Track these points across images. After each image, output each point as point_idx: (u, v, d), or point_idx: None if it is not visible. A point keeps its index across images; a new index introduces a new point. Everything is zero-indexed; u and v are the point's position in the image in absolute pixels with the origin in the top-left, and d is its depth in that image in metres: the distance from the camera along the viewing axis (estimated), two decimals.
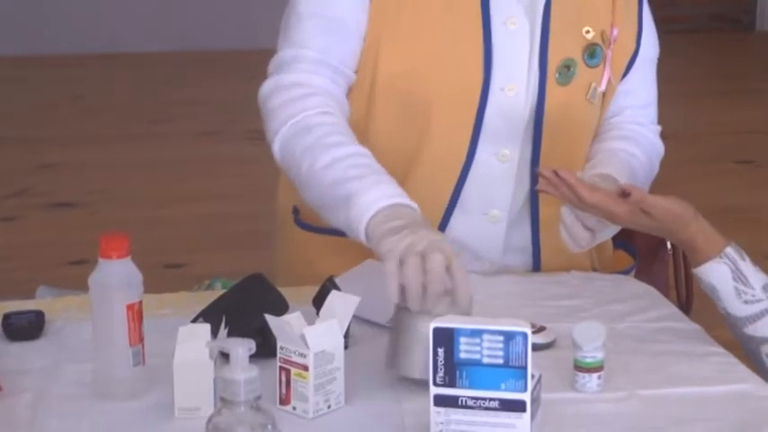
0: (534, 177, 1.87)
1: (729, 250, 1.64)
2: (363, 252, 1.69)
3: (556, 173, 1.69)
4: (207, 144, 5.51)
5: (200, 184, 4.91)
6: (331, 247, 1.87)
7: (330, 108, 1.79)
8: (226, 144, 5.41)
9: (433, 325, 1.36)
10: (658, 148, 2.04)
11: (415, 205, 1.64)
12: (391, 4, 1.84)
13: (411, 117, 1.87)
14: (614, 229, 1.78)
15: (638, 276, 2.07)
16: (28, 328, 1.71)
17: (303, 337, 1.42)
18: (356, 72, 1.87)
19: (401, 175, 1.84)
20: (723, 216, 4.39)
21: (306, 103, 1.79)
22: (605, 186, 1.77)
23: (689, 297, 2.36)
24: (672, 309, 1.83)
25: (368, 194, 1.63)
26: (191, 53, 7.31)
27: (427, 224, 1.60)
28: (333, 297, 1.52)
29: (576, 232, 1.74)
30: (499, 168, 1.90)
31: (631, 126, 2.00)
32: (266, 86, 1.85)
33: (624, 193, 1.67)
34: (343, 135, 1.76)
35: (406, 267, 1.48)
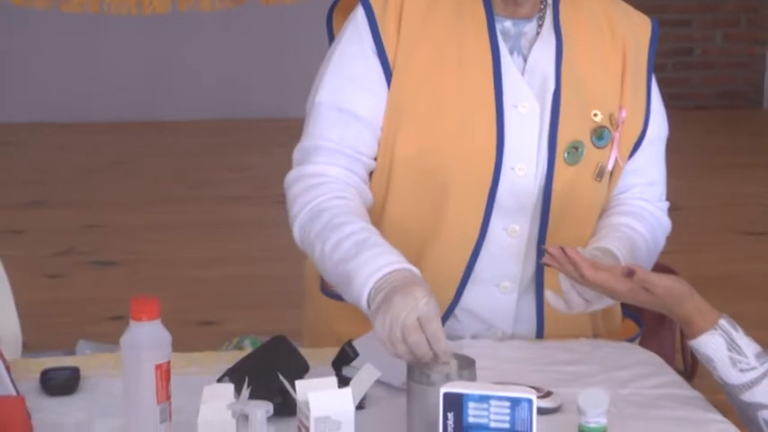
0: (541, 252, 1.88)
1: (723, 322, 1.64)
2: None
3: (563, 249, 1.70)
4: (240, 208, 5.54)
5: (233, 246, 4.93)
6: (352, 313, 1.89)
7: (344, 193, 1.82)
8: (258, 208, 5.43)
9: (443, 390, 1.37)
10: (664, 224, 2.02)
11: (407, 265, 1.66)
12: (411, 90, 1.85)
13: (427, 196, 1.87)
14: (609, 301, 1.78)
15: (646, 341, 2.06)
16: (64, 383, 1.73)
17: (307, 402, 1.40)
18: (375, 158, 1.89)
19: (418, 250, 1.86)
20: (731, 284, 4.42)
21: (321, 189, 1.82)
22: (605, 260, 1.77)
23: (694, 361, 2.35)
24: (674, 376, 1.82)
25: (360, 275, 1.67)
26: (225, 121, 7.37)
27: (406, 287, 1.60)
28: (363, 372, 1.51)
29: (570, 299, 1.74)
30: (509, 243, 1.90)
31: (637, 202, 1.99)
32: (290, 176, 1.89)
33: (629, 272, 1.67)
34: (350, 215, 1.79)
35: (395, 352, 1.56)
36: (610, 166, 1.93)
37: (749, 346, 1.62)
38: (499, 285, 1.93)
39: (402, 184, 1.88)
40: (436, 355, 1.52)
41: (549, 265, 1.74)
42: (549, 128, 1.87)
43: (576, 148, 1.88)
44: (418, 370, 1.52)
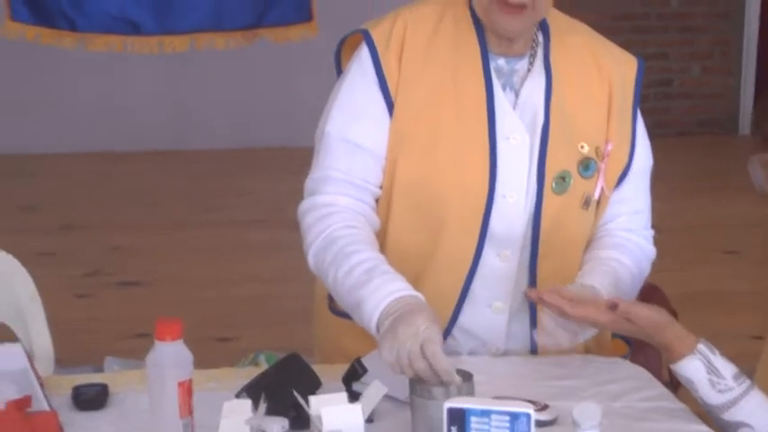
0: (533, 276, 1.89)
1: (701, 347, 1.63)
2: None
3: (541, 298, 1.69)
4: (254, 231, 5.52)
5: (248, 267, 4.92)
6: (357, 330, 1.88)
7: (354, 222, 1.82)
8: (271, 231, 5.41)
9: (447, 405, 1.36)
10: (648, 252, 2.01)
11: (412, 292, 1.67)
12: (410, 120, 1.85)
13: (424, 222, 1.87)
14: (595, 330, 1.76)
15: (634, 355, 2.05)
16: (94, 399, 1.72)
17: (319, 416, 1.40)
18: (380, 187, 1.88)
19: (416, 272, 1.85)
20: (712, 300, 4.40)
21: (333, 218, 1.82)
22: (585, 294, 1.76)
23: None
24: (662, 389, 1.81)
25: (369, 303, 1.67)
26: (241, 150, 7.37)
27: (409, 315, 1.61)
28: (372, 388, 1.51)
29: (557, 336, 1.73)
30: (501, 267, 1.89)
31: (622, 234, 1.97)
32: (303, 206, 1.89)
33: (612, 306, 1.66)
34: (361, 243, 1.79)
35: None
36: (596, 196, 1.92)
37: (726, 368, 1.62)
38: (491, 306, 1.92)
39: (401, 210, 1.88)
40: (436, 373, 1.51)
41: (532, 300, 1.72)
42: (538, 159, 1.86)
43: (564, 179, 1.87)
44: (420, 385, 1.52)
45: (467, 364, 1.70)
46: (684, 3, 7.97)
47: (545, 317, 1.73)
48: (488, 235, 1.86)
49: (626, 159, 1.94)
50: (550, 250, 1.89)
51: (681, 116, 8.15)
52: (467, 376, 1.55)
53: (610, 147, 1.90)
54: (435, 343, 1.54)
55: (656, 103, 7.98)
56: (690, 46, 8.08)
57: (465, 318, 1.91)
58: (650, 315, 1.65)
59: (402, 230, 1.88)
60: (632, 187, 1.97)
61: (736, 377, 1.61)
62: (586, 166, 1.89)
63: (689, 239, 5.41)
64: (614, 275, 1.87)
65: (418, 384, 1.52)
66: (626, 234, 1.97)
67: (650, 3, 7.86)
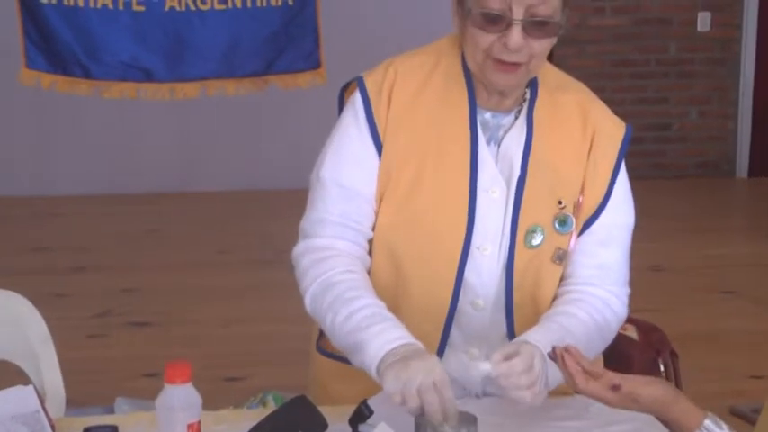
0: (509, 327, 1.86)
1: (708, 422, 1.60)
2: (371, 380, 1.69)
3: (563, 357, 1.63)
4: (262, 271, 5.53)
5: (257, 307, 4.91)
6: (342, 372, 1.87)
7: (352, 266, 1.81)
8: (279, 271, 5.40)
9: None
10: (616, 308, 1.90)
11: (413, 341, 1.66)
12: (395, 164, 1.84)
13: (400, 266, 1.85)
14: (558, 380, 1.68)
15: None
16: None
17: None
18: (373, 229, 1.88)
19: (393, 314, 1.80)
20: (710, 340, 4.38)
21: (331, 262, 1.81)
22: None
23: None
24: (664, 431, 1.79)
25: (373, 343, 1.66)
26: (249, 192, 7.40)
27: (422, 353, 1.61)
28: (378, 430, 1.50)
29: (516, 395, 1.63)
30: (474, 315, 1.87)
31: (581, 287, 1.88)
32: (298, 248, 1.88)
33: (614, 387, 1.63)
34: (360, 289, 1.77)
35: (404, 406, 1.55)
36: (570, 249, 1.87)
37: None
38: (468, 352, 1.90)
39: (379, 252, 1.87)
40: (447, 417, 1.50)
41: (552, 359, 1.67)
42: (512, 213, 1.84)
43: (535, 233, 1.84)
44: (426, 429, 1.51)
45: (471, 405, 1.69)
46: (682, 49, 8.02)
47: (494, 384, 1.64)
48: (462, 284, 1.85)
49: (593, 210, 1.88)
50: (525, 301, 1.86)
51: (679, 159, 8.18)
52: (470, 419, 1.54)
53: (581, 199, 1.86)
54: (449, 388, 1.55)
55: (654, 145, 8.00)
56: (687, 91, 8.12)
57: (445, 363, 1.87)
58: (653, 393, 1.61)
59: (379, 273, 1.87)
60: (597, 239, 1.89)
61: None
62: (563, 221, 1.85)
63: (687, 280, 5.39)
64: (561, 330, 1.77)
65: (424, 428, 1.51)
66: (587, 288, 1.88)
67: (649, 49, 7.91)
